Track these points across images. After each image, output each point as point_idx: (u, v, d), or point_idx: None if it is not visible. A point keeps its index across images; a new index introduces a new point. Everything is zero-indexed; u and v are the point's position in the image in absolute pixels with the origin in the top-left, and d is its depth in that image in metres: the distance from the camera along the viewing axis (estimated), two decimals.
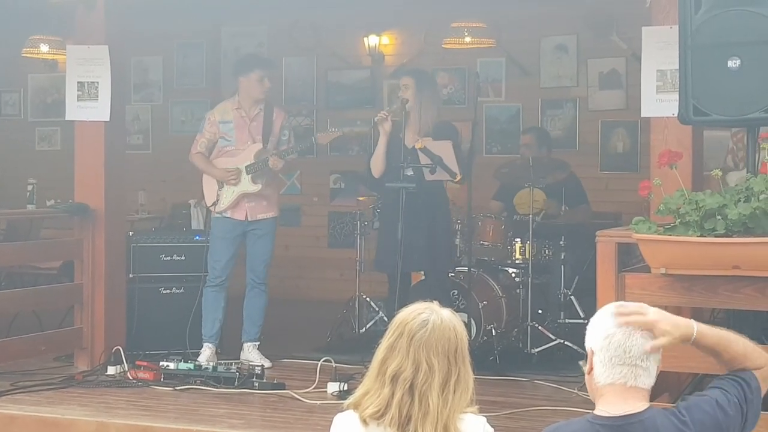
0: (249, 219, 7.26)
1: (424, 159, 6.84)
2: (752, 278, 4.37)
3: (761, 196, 4.28)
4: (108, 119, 7.14)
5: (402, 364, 2.87)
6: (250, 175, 7.22)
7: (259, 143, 7.26)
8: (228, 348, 7.38)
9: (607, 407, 2.81)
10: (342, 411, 3.00)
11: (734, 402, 2.85)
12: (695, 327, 2.89)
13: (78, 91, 7.18)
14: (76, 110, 7.22)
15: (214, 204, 7.28)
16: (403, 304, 3.08)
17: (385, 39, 10.63)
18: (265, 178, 7.29)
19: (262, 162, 7.20)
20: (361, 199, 8.65)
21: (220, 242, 7.26)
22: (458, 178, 6.88)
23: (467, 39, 9.77)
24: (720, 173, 4.50)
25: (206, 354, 7.11)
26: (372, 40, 10.58)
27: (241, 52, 10.70)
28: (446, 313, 2.94)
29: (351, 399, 2.97)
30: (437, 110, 7.20)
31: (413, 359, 2.86)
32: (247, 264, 7.32)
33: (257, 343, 7.27)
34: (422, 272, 7.34)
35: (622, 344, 2.80)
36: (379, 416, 2.88)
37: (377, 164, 7.08)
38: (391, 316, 3.01)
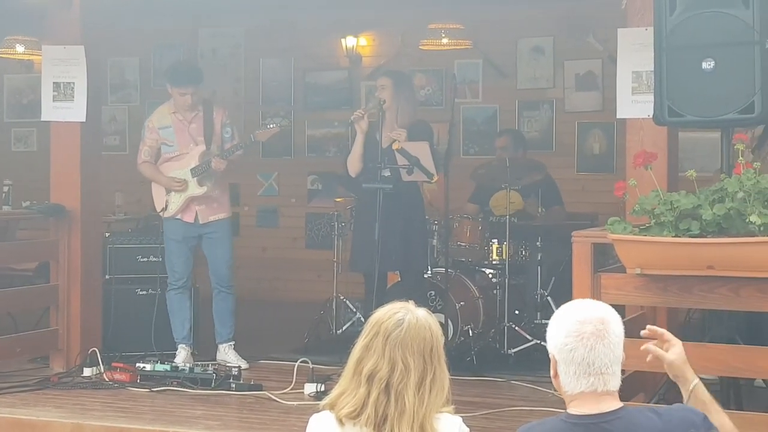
0: (200, 222, 7.21)
1: (401, 160, 6.84)
2: (727, 278, 4.40)
3: (735, 197, 4.30)
4: (84, 120, 7.11)
5: (378, 363, 2.87)
6: (195, 178, 7.15)
7: (201, 145, 7.18)
8: (204, 349, 7.35)
9: (581, 409, 2.82)
10: (318, 411, 3.00)
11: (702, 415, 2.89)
12: (696, 378, 3.00)
13: (54, 91, 7.15)
14: (51, 111, 7.19)
15: (164, 210, 7.23)
16: (380, 304, 3.08)
17: (363, 40, 10.62)
18: (212, 180, 7.19)
19: (206, 164, 7.14)
20: (338, 200, 8.65)
21: (174, 244, 7.22)
22: (435, 178, 6.89)
23: (444, 40, 9.79)
24: (695, 174, 4.52)
25: (182, 355, 7.08)
26: (349, 42, 10.57)
27: (218, 53, 10.70)
28: (421, 313, 2.95)
29: (327, 399, 2.98)
30: (414, 110, 7.20)
31: (389, 358, 2.87)
32: (209, 269, 7.28)
33: (232, 342, 7.25)
34: (398, 273, 7.34)
35: (585, 359, 2.79)
36: (355, 416, 2.88)
37: (354, 163, 7.07)
38: (368, 317, 3.00)
